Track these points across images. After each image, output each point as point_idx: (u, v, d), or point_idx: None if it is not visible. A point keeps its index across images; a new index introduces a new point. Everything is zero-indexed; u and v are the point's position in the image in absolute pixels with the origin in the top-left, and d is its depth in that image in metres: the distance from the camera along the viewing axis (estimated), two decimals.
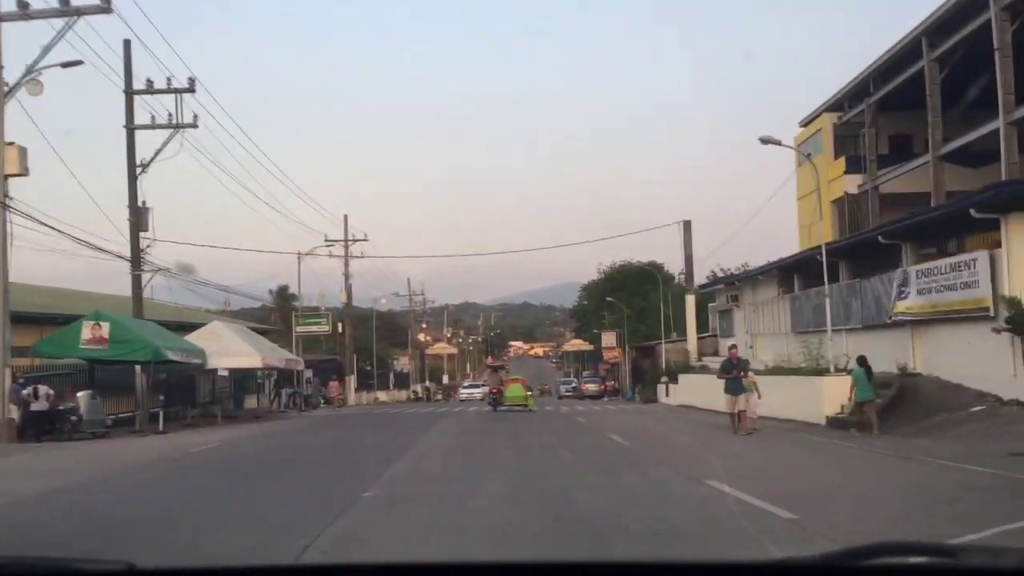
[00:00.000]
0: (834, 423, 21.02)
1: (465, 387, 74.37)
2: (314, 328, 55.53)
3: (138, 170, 32.44)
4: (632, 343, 65.12)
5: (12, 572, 2.08)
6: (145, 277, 31.99)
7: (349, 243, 61.17)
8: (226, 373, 31.39)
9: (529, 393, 40.88)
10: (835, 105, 42.20)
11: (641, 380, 55.04)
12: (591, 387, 67.26)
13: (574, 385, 72.09)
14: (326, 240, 59.27)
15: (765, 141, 23.24)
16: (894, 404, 20.15)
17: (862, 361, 20.22)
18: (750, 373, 19.36)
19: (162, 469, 14.80)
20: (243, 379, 45.08)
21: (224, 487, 11.84)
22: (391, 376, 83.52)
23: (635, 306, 70.10)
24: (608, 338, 72.79)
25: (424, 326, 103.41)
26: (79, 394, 24.97)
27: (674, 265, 70.43)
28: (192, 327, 33.54)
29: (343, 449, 17.53)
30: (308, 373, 54.50)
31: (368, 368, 75.56)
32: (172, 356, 27.21)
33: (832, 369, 22.53)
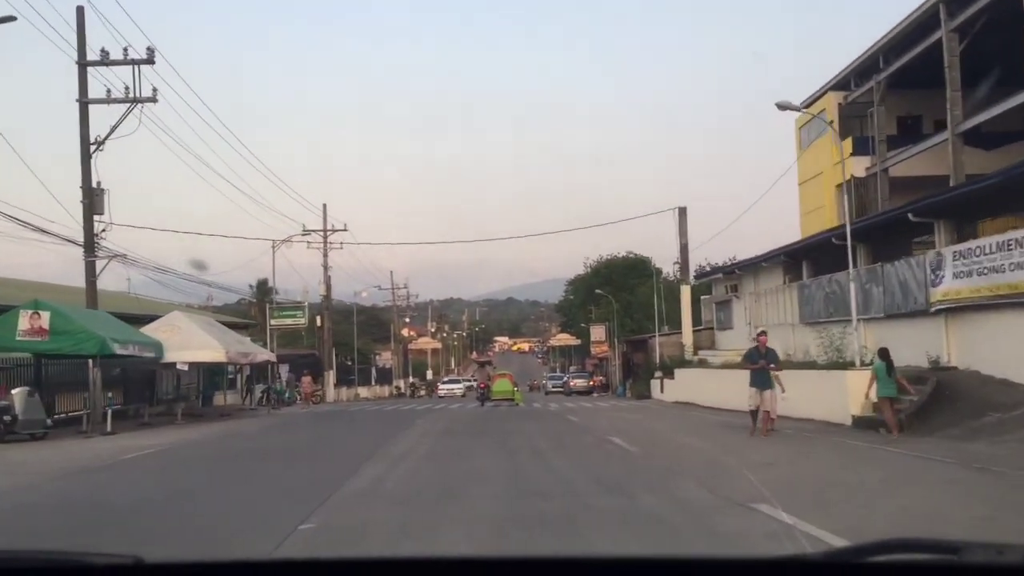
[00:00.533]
0: (862, 423, 18.64)
1: (444, 382, 71.84)
2: (290, 321, 52.78)
3: (92, 148, 29.97)
4: (621, 337, 62.72)
5: (19, 566, 2.06)
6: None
7: (328, 233, 58.94)
8: (186, 367, 28.67)
9: (516, 388, 42.18)
10: (840, 84, 39.77)
11: (633, 375, 52.64)
12: (579, 383, 64.84)
13: (563, 381, 69.48)
14: (304, 230, 56.97)
15: (783, 107, 20.77)
16: (933, 402, 17.71)
17: (883, 354, 18.02)
18: (775, 365, 16.78)
19: (75, 479, 12.22)
20: (213, 375, 42.71)
21: (128, 508, 9.28)
22: (373, 371, 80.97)
23: (622, 300, 67.79)
24: (597, 332, 70.44)
25: (407, 320, 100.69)
26: (14, 391, 22.28)
27: (662, 258, 67.64)
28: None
29: (299, 456, 14.94)
30: (284, 368, 51.99)
31: (349, 363, 72.89)
32: (120, 350, 24.57)
33: (858, 362, 20.10)
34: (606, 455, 13.47)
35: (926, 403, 17.73)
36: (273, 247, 51.62)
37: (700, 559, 2.27)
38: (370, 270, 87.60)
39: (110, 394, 25.24)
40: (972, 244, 18.75)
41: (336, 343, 68.83)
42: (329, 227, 58.69)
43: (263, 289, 75.07)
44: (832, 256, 27.99)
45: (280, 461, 14.06)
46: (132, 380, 32.42)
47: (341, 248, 59.93)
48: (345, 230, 59.81)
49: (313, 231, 57.65)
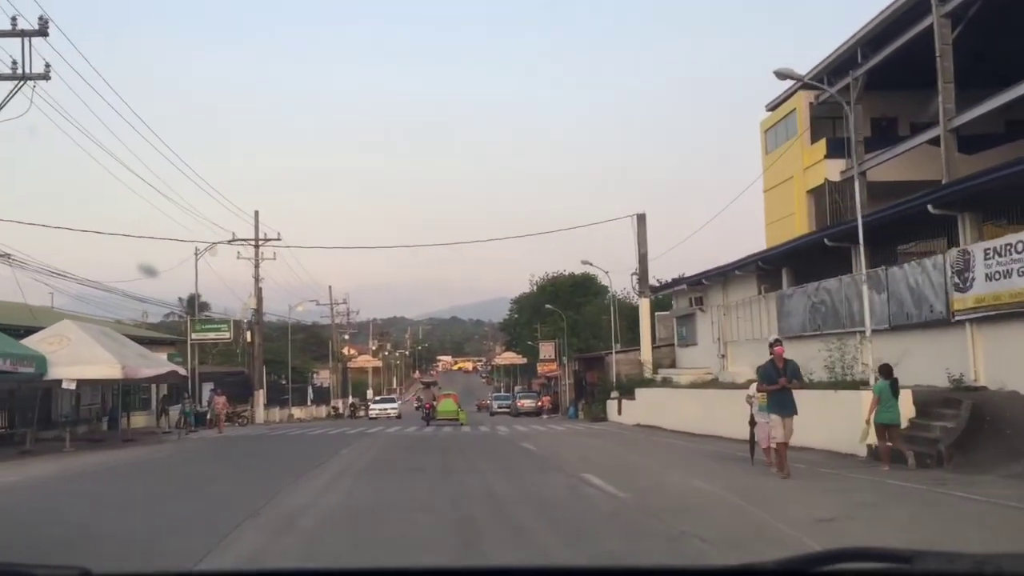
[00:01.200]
0: (878, 455, 15.39)
1: (376, 402, 64.86)
2: (213, 335, 48.32)
3: None
4: (571, 355, 59.37)
5: None
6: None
7: (260, 243, 54.80)
8: (72, 386, 24.40)
9: (460, 408, 41.08)
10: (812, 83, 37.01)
11: (586, 396, 49.16)
12: (527, 403, 61.26)
13: (509, 401, 65.61)
14: (233, 238, 52.71)
15: (782, 75, 17.52)
16: (973, 431, 14.50)
17: (886, 371, 15.00)
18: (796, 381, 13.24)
19: None
20: (125, 394, 38.46)
21: None
22: (309, 390, 76.26)
23: (568, 319, 64.73)
24: (546, 349, 67.01)
25: (346, 338, 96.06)
26: None
27: (614, 274, 64.61)
28: None
29: (160, 507, 10.90)
30: (207, 387, 47.54)
31: (283, 382, 68.14)
32: None
33: (872, 381, 16.84)
34: (593, 509, 9.75)
35: (965, 431, 14.52)
36: (196, 254, 47.32)
37: (657, 569, 2.23)
38: (311, 287, 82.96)
39: None
40: (1013, 239, 15.64)
41: (272, 361, 64.27)
42: (261, 236, 54.65)
43: (193, 304, 70.40)
44: (819, 262, 24.95)
45: (127, 520, 9.95)
46: (20, 400, 28.18)
47: (274, 259, 55.80)
48: (279, 239, 55.46)
49: (244, 240, 53.56)
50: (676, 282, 38.70)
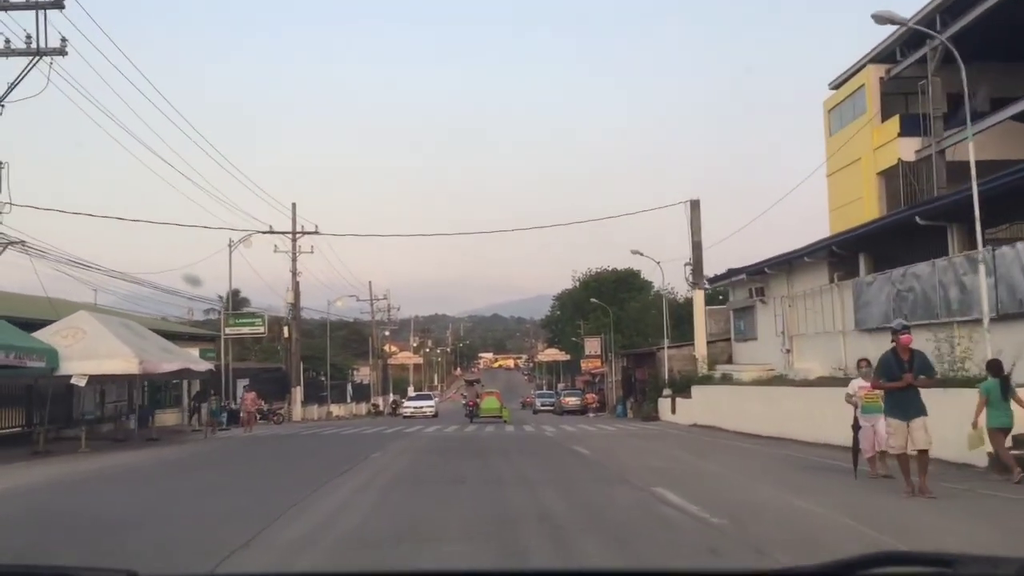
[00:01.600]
0: (998, 463, 13.04)
1: (411, 399, 60.59)
2: (246, 329, 46.84)
3: None
4: (618, 350, 56.97)
5: None
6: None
7: (297, 234, 53.30)
8: (83, 382, 22.65)
9: (503, 406, 40.67)
10: (883, 55, 34.27)
11: (635, 393, 46.75)
12: (572, 401, 58.88)
13: (553, 399, 63.28)
14: (270, 229, 51.14)
15: (881, 19, 15.05)
16: None
17: (995, 368, 12.78)
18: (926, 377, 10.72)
19: None
20: (156, 390, 37.05)
21: None
22: (349, 388, 74.70)
23: (612, 314, 62.39)
24: (592, 344, 64.60)
25: (387, 334, 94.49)
26: None
27: (665, 268, 62.49)
28: None
29: (126, 529, 8.74)
30: (241, 383, 46.05)
31: (322, 379, 66.57)
32: None
33: (990, 378, 14.36)
34: (681, 540, 7.36)
35: None
36: (230, 245, 45.81)
37: (690, 572, 2.23)
38: (351, 283, 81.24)
39: None
40: None
41: (311, 357, 62.79)
42: (299, 228, 53.12)
43: (235, 300, 69.32)
44: (903, 246, 22.41)
45: (66, 552, 7.76)
46: (38, 397, 26.65)
47: (312, 252, 54.18)
48: (316, 232, 53.82)
49: (280, 232, 52.01)
50: (733, 272, 36.12)
